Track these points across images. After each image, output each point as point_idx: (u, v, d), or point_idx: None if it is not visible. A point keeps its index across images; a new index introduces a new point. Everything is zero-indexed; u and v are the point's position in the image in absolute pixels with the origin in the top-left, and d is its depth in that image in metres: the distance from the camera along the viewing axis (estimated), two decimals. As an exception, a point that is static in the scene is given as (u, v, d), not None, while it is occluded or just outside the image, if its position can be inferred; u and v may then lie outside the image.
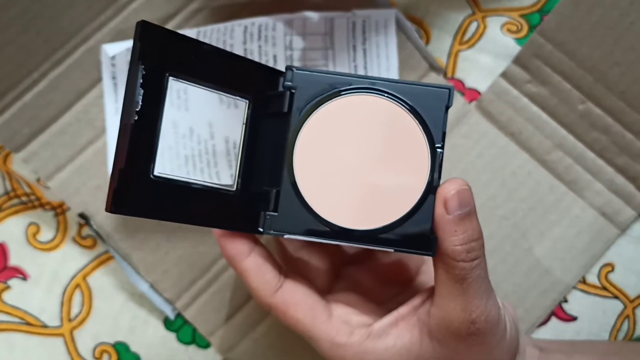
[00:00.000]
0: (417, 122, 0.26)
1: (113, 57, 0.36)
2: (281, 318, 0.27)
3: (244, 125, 0.26)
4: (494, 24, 0.39)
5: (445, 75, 0.39)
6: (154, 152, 0.23)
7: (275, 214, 0.26)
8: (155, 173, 0.23)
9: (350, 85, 0.26)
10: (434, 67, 0.38)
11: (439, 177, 0.25)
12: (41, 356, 0.36)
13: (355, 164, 0.26)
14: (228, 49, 0.37)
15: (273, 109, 0.26)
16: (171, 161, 0.36)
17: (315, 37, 0.37)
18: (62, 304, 0.37)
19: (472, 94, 0.38)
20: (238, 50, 0.37)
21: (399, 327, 0.26)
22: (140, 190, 0.23)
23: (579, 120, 0.37)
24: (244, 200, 0.26)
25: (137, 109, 0.22)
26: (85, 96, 0.37)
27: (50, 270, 0.37)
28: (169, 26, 0.38)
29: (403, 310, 0.27)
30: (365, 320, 0.27)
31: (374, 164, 0.26)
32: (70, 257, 0.37)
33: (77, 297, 0.37)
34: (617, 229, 0.37)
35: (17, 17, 0.36)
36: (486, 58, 0.39)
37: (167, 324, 0.37)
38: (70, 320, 0.37)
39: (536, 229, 0.37)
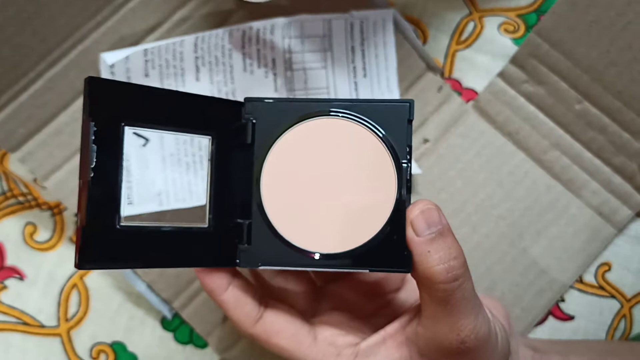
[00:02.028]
0: (380, 139, 0.25)
1: (112, 66, 0.36)
2: (265, 346, 0.27)
3: (210, 162, 0.26)
4: (491, 24, 0.39)
5: (442, 75, 0.39)
6: (118, 202, 0.23)
7: (249, 246, 0.26)
8: (122, 223, 0.23)
9: (310, 110, 0.26)
10: (431, 67, 0.38)
11: (408, 192, 0.25)
12: (38, 356, 0.36)
13: (323, 188, 0.25)
14: (226, 54, 0.37)
15: (237, 141, 0.26)
16: (173, 167, 0.36)
17: (314, 39, 0.37)
18: (59, 304, 0.37)
19: (469, 94, 0.39)
20: (236, 55, 0.37)
21: (387, 346, 0.26)
22: (107, 243, 0.23)
23: (576, 120, 0.37)
24: (218, 235, 0.26)
25: (92, 166, 0.23)
26: (82, 96, 0.37)
27: (47, 270, 0.37)
28: (166, 26, 0.38)
29: (390, 329, 0.27)
30: (351, 340, 0.27)
31: (342, 186, 0.25)
32: (67, 257, 0.37)
33: (74, 297, 0.37)
34: (614, 228, 0.37)
35: (13, 17, 0.36)
36: (483, 58, 0.39)
37: (165, 323, 0.37)
38: (67, 320, 0.37)
39: (533, 228, 0.37)
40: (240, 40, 0.37)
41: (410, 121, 0.25)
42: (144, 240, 0.24)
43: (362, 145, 0.25)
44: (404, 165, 0.25)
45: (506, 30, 0.39)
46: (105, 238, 0.23)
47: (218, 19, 0.38)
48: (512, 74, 0.38)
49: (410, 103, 0.25)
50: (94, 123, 0.23)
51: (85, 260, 0.23)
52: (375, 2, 0.38)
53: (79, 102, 0.37)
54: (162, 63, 0.37)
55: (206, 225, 0.26)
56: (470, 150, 0.38)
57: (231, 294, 0.26)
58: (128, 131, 0.24)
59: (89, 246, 0.23)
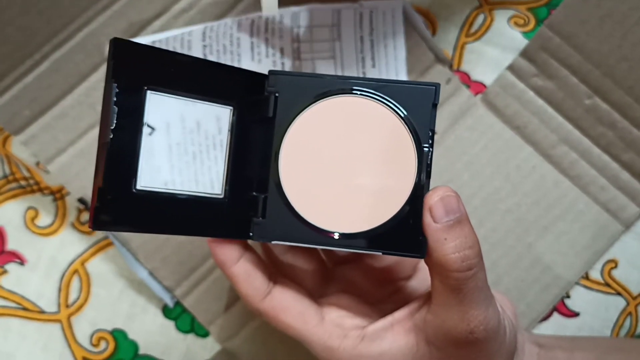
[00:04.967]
0: (403, 121, 0.25)
1: None
2: (272, 323, 0.27)
3: (229, 132, 0.26)
4: (501, 16, 0.39)
5: (451, 67, 0.38)
6: (135, 166, 0.23)
7: (264, 220, 0.26)
8: (138, 187, 0.23)
9: (333, 87, 0.26)
10: (440, 58, 0.38)
11: (428, 177, 0.25)
12: (37, 342, 0.36)
13: (341, 167, 0.25)
14: (234, 42, 0.36)
15: (258, 114, 0.26)
16: (179, 158, 0.36)
17: (322, 29, 0.37)
18: (59, 289, 0.36)
19: (478, 87, 0.38)
20: (244, 44, 0.36)
21: (395, 331, 0.26)
22: (122, 206, 0.23)
23: (585, 115, 0.37)
24: (232, 207, 0.26)
25: (112, 127, 0.22)
26: (87, 79, 0.37)
27: (48, 255, 0.37)
28: (172, 12, 0.37)
29: (398, 314, 0.26)
30: (359, 323, 0.27)
31: (361, 166, 0.25)
32: (69, 243, 0.37)
33: (75, 283, 0.37)
34: (621, 225, 0.36)
35: (19, -3, 0.36)
36: (493, 51, 0.38)
37: (166, 311, 0.37)
38: (67, 306, 0.36)
39: (539, 223, 0.37)
40: (248, 29, 0.36)
41: (435, 105, 0.25)
42: (159, 206, 0.24)
43: (384, 126, 0.25)
44: (426, 149, 0.25)
45: (516, 24, 0.39)
46: (121, 200, 0.23)
47: (225, 6, 0.38)
48: (522, 67, 0.37)
49: (437, 87, 0.25)
50: (116, 85, 0.22)
51: (100, 221, 0.22)
52: (385, -9, 0.38)
53: (85, 85, 0.37)
54: (169, 49, 0.36)
55: (221, 196, 0.25)
56: (478, 143, 0.37)
57: (242, 267, 0.26)
58: (150, 96, 0.23)
59: (104, 207, 0.23)
